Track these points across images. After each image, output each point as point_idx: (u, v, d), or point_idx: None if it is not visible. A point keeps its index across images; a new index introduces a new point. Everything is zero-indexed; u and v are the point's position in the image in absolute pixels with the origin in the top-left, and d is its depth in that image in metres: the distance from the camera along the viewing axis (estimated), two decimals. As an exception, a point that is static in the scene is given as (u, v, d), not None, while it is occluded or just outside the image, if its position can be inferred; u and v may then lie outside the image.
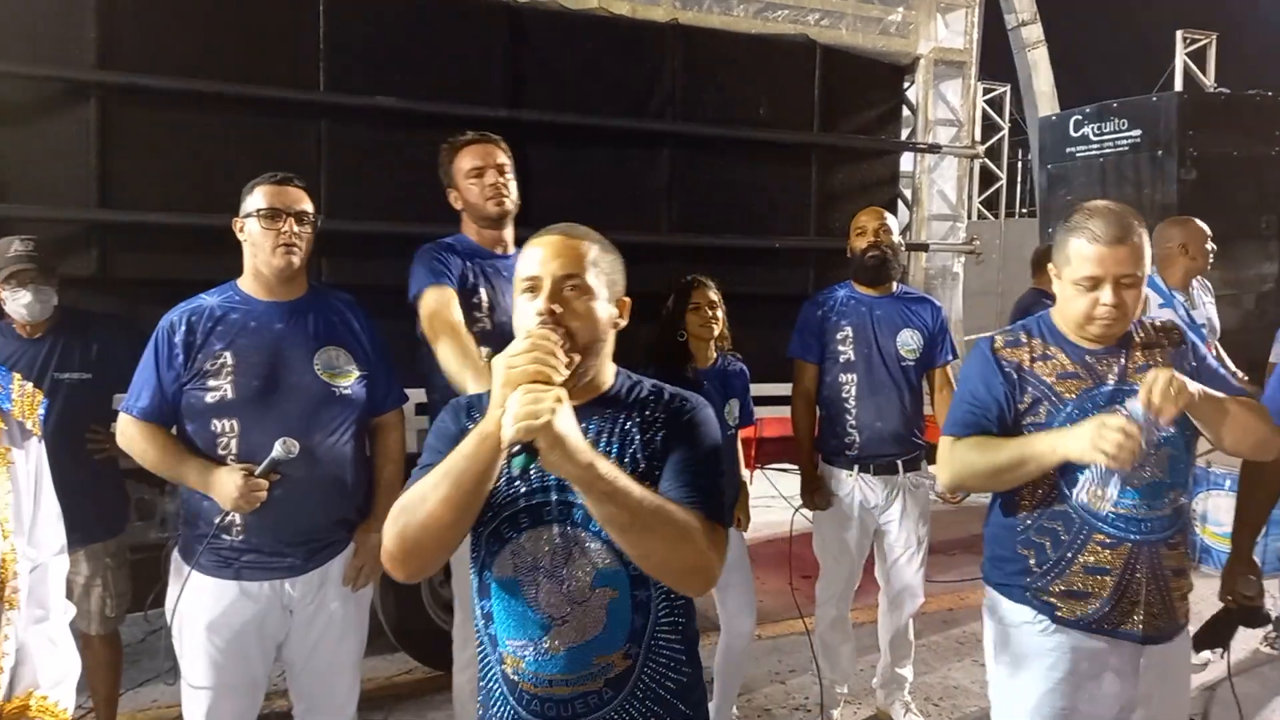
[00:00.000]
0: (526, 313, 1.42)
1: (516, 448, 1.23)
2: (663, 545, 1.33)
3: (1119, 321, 1.93)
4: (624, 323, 1.51)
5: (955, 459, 2.05)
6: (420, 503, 1.33)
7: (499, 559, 1.45)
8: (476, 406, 1.50)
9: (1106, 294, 1.91)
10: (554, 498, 1.44)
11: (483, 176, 2.67)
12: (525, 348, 1.29)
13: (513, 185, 2.72)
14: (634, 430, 1.46)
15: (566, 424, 1.24)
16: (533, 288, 1.43)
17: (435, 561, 1.41)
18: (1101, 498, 1.85)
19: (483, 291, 2.64)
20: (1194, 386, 1.82)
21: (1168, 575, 1.96)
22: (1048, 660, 2.01)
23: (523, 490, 1.44)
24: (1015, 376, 2.01)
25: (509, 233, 2.76)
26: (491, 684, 1.50)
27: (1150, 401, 1.77)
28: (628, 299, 1.52)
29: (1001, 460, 1.96)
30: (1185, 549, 2.01)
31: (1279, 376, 2.55)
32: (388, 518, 1.37)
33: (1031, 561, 2.02)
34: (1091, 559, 1.96)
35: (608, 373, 1.52)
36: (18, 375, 1.35)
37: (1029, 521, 2.02)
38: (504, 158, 2.72)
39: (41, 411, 1.38)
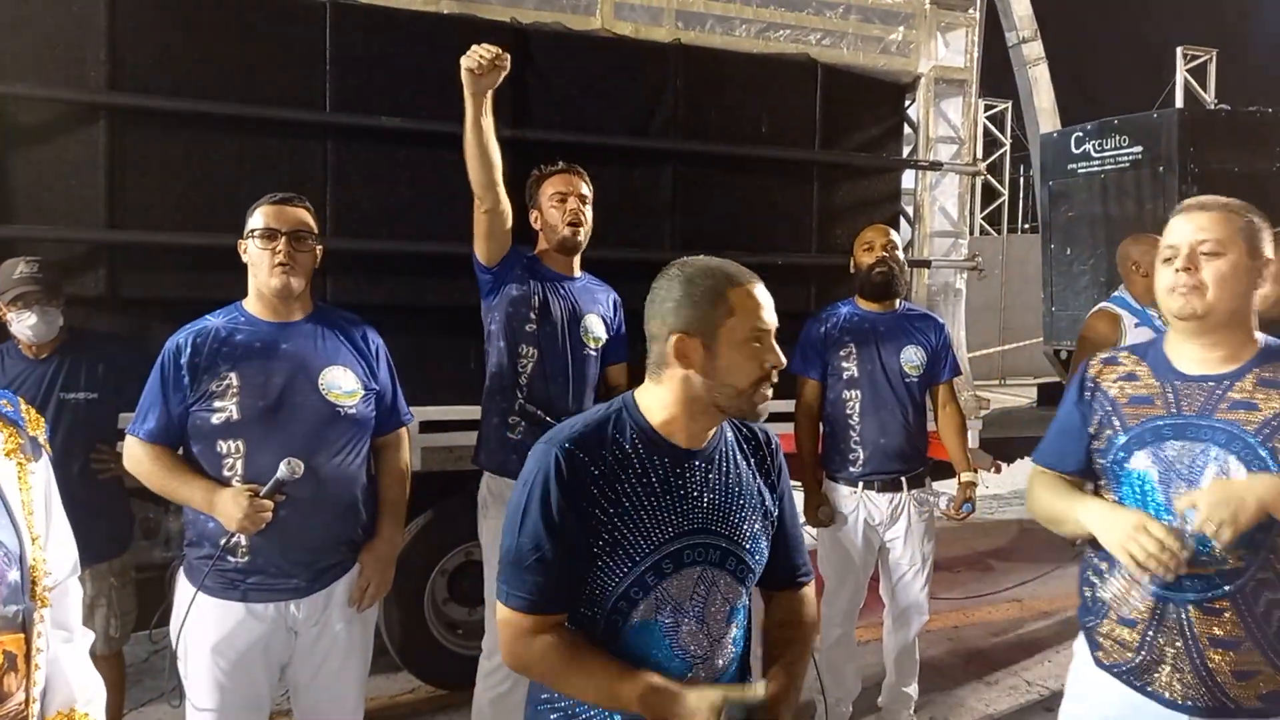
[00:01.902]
0: (753, 364, 1.47)
1: None
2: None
3: (1197, 293, 1.70)
4: None
5: (1029, 492, 1.99)
6: (566, 688, 1.46)
7: (642, 605, 1.46)
8: (588, 456, 1.45)
9: (1180, 260, 1.71)
10: (696, 540, 1.48)
11: (565, 203, 2.87)
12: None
13: (589, 214, 2.91)
14: (754, 473, 1.57)
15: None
16: (762, 340, 1.48)
17: None
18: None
19: (535, 300, 2.83)
20: (1260, 495, 1.55)
21: (1203, 645, 1.71)
22: (1091, 698, 1.91)
23: (661, 540, 1.46)
24: (1090, 397, 1.88)
25: (576, 261, 2.97)
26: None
27: (1203, 521, 1.57)
28: None
29: (1050, 512, 1.90)
30: (1242, 618, 1.69)
31: None
32: (521, 661, 1.46)
33: (1088, 597, 1.92)
34: (1124, 606, 1.80)
35: None
36: (21, 399, 1.37)
37: (1087, 557, 1.92)
38: (586, 189, 2.92)
39: (46, 432, 1.40)
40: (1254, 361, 1.74)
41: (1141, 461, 1.78)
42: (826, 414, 3.38)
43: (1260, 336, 1.78)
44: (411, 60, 3.48)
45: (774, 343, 1.48)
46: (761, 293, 1.50)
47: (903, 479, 3.30)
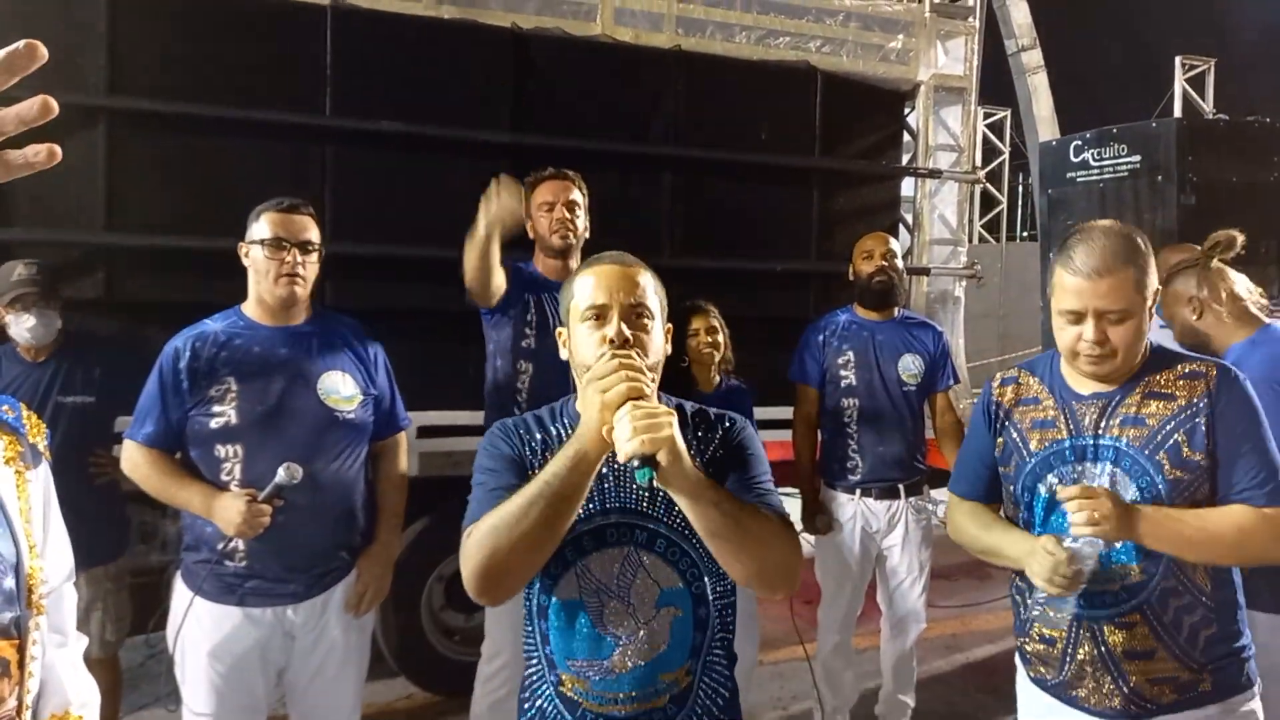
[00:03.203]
0: (592, 340, 1.45)
1: (637, 462, 1.24)
2: (761, 548, 1.39)
3: (1108, 359, 1.73)
4: (669, 349, 1.54)
5: (952, 522, 2.02)
6: (512, 525, 1.32)
7: (562, 581, 1.47)
8: (526, 430, 1.54)
9: (1089, 329, 1.71)
10: (614, 520, 1.48)
11: (553, 211, 2.85)
12: (613, 367, 1.31)
13: (580, 220, 2.90)
14: (693, 453, 1.48)
15: (680, 438, 1.28)
16: (599, 315, 1.46)
17: (522, 582, 1.44)
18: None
19: (531, 316, 2.83)
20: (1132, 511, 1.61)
21: (1119, 657, 1.74)
22: (1027, 709, 1.94)
23: (584, 514, 1.46)
24: (996, 422, 1.90)
25: (574, 263, 2.93)
26: (544, 704, 1.51)
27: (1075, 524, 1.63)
28: (670, 325, 1.57)
29: (984, 545, 1.92)
30: (1153, 629, 1.73)
31: None
32: (470, 543, 1.37)
33: (1020, 612, 1.93)
34: (1044, 625, 1.85)
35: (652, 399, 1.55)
36: (23, 404, 1.37)
37: (1011, 578, 1.95)
38: (576, 194, 2.89)
39: (46, 439, 1.40)
40: (1142, 372, 1.76)
41: (1048, 485, 1.81)
42: (825, 421, 3.38)
43: (1149, 341, 1.79)
44: (412, 65, 3.49)
45: (616, 320, 1.44)
46: (602, 271, 1.48)
47: (900, 487, 3.30)
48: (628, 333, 1.43)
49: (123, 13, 3.13)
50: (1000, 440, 1.90)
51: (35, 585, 1.22)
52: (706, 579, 1.50)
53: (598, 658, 1.45)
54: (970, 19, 4.61)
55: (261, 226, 2.26)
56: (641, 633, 1.45)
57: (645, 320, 1.47)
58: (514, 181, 2.57)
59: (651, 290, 1.51)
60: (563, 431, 1.53)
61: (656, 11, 3.90)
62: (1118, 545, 1.73)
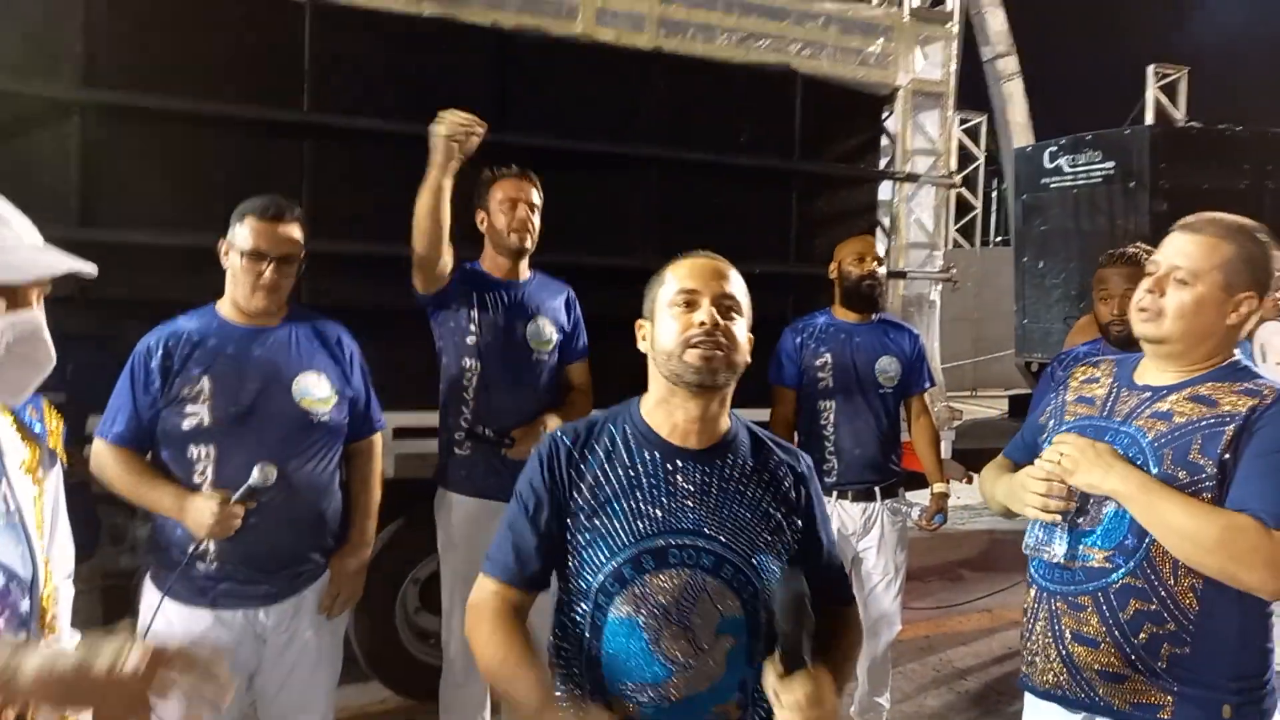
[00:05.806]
0: (680, 322, 1.44)
1: None
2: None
3: (1152, 319, 1.69)
4: (749, 359, 1.52)
5: (981, 478, 2.06)
6: (496, 667, 1.43)
7: (618, 599, 1.43)
8: (573, 439, 1.52)
9: (1150, 280, 1.70)
10: (683, 541, 1.44)
11: (515, 209, 2.82)
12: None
13: (536, 223, 2.88)
14: (764, 489, 1.51)
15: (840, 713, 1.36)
16: (690, 301, 1.45)
17: None
18: (1048, 551, 1.76)
19: (474, 312, 2.81)
20: (1100, 473, 1.62)
21: (1066, 638, 1.73)
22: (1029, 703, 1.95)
23: (646, 531, 1.43)
24: (1053, 393, 1.95)
25: (523, 264, 2.93)
26: None
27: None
28: (752, 334, 1.55)
29: (994, 492, 1.94)
30: (1104, 619, 1.69)
31: None
32: (472, 639, 1.47)
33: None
34: (1027, 598, 1.88)
35: (726, 412, 1.54)
36: (45, 399, 1.35)
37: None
38: (537, 197, 2.88)
39: (63, 438, 1.39)
40: (1200, 378, 1.70)
41: None
42: (801, 423, 3.39)
43: (1235, 353, 1.74)
44: (391, 61, 3.46)
45: (707, 304, 1.44)
46: (697, 263, 1.50)
47: (876, 489, 3.31)
48: (720, 319, 1.43)
49: (99, 5, 3.08)
50: (1050, 408, 1.92)
51: (49, 606, 1.20)
52: (764, 611, 1.45)
53: (653, 682, 1.41)
54: (949, 24, 4.64)
55: (244, 234, 2.21)
56: (697, 660, 1.41)
57: (735, 314, 1.47)
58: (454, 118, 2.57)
59: (742, 290, 1.51)
60: (619, 439, 1.50)
61: (638, 12, 3.89)
62: (1097, 526, 1.71)
